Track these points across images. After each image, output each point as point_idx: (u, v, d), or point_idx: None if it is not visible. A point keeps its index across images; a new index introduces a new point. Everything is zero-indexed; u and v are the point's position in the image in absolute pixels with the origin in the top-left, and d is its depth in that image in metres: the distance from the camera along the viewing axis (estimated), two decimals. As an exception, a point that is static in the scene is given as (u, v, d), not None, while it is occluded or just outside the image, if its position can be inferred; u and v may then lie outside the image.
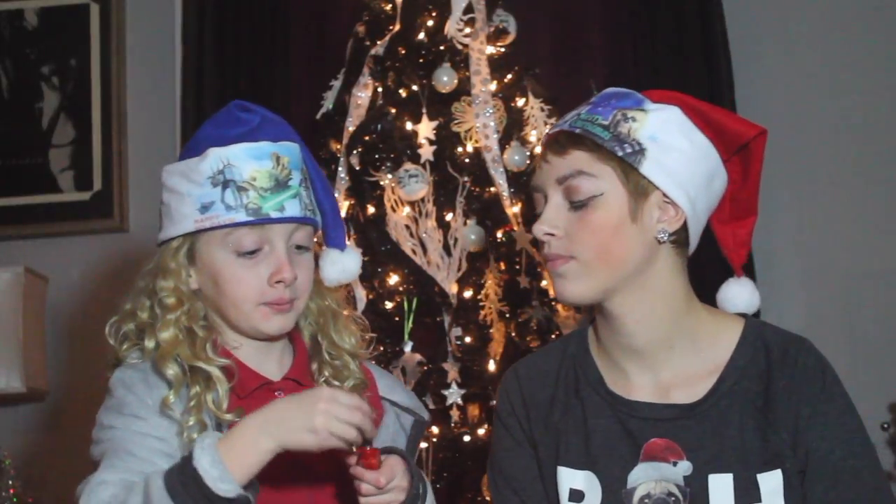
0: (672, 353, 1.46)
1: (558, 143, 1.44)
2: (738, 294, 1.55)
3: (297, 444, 1.32)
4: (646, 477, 1.42)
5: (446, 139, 2.60)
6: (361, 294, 2.56)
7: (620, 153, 1.41)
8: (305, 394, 1.36)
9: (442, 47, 2.64)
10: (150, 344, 1.47)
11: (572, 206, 1.42)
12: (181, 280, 1.48)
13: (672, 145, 1.42)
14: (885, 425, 2.75)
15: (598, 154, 1.41)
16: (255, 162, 1.44)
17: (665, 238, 1.43)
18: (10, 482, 2.79)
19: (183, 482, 1.27)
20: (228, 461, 1.29)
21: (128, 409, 1.41)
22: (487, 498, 2.42)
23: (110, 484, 1.33)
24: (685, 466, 1.41)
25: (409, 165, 2.57)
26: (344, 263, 1.57)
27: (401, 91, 2.65)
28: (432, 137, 2.59)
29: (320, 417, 1.30)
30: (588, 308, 1.57)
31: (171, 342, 1.45)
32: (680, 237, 1.45)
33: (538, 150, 2.63)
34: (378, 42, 2.70)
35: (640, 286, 1.43)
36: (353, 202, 2.65)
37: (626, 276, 1.42)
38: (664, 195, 1.42)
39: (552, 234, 1.43)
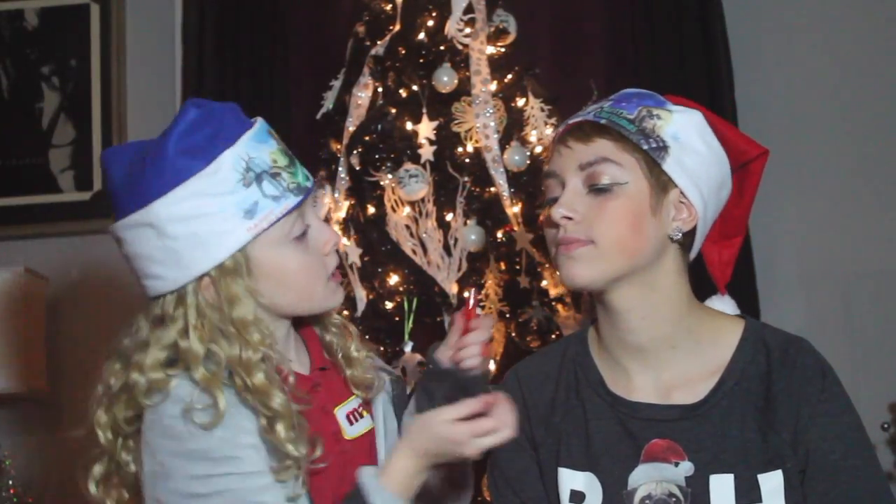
0: (675, 352, 1.46)
1: (582, 130, 1.45)
2: (721, 311, 1.56)
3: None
4: (646, 478, 1.42)
5: (446, 139, 2.60)
6: (361, 294, 2.56)
7: (646, 146, 1.42)
8: (445, 440, 1.37)
9: (442, 47, 2.64)
10: (238, 382, 1.36)
11: (593, 193, 1.43)
12: (251, 306, 1.39)
13: (692, 147, 1.44)
14: (885, 425, 2.75)
15: (624, 144, 1.42)
16: (264, 145, 1.40)
17: (678, 236, 1.44)
18: (10, 482, 2.79)
19: None
20: (396, 493, 1.35)
21: (218, 453, 1.32)
22: (488, 498, 2.41)
23: None
24: (687, 467, 1.41)
25: (409, 165, 2.57)
26: None
27: (401, 91, 2.65)
28: (432, 137, 2.59)
29: (469, 450, 1.37)
30: (589, 308, 1.57)
31: (265, 385, 1.36)
32: (686, 240, 1.46)
33: (539, 149, 2.64)
34: (378, 42, 2.69)
35: (646, 283, 1.44)
36: (353, 202, 2.64)
37: (635, 267, 1.43)
38: (681, 194, 1.44)
39: (570, 218, 1.43)
